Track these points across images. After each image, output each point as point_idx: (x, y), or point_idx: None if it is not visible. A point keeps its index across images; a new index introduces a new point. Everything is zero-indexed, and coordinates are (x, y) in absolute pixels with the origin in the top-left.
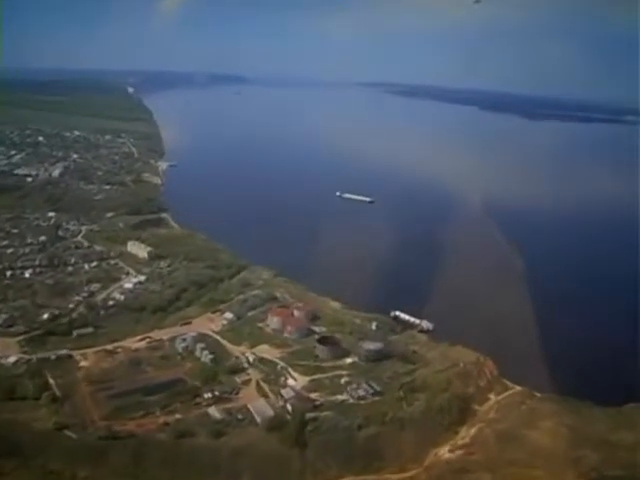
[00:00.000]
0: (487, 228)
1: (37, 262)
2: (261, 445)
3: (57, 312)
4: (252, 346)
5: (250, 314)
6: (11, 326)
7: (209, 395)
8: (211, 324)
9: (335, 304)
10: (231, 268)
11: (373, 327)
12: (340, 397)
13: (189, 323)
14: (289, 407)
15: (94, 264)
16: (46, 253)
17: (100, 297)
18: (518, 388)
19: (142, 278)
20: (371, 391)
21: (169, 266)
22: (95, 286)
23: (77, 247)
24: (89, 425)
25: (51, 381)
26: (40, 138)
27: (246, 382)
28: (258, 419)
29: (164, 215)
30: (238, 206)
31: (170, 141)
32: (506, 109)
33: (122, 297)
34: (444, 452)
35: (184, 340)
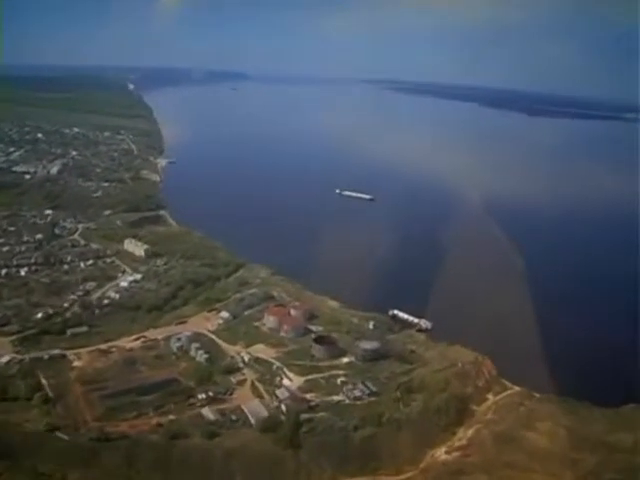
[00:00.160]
0: (487, 226)
1: (33, 260)
2: (255, 446)
3: (51, 311)
4: (248, 346)
5: (246, 313)
6: (5, 325)
7: (203, 396)
8: (207, 323)
9: (333, 303)
10: (228, 266)
11: (371, 326)
12: (336, 398)
13: (184, 322)
14: (284, 408)
15: (90, 262)
16: (42, 251)
17: (95, 296)
18: (517, 388)
19: (138, 276)
20: (367, 391)
21: (166, 264)
22: (90, 285)
23: (73, 245)
24: (81, 426)
25: (44, 381)
26: (39, 135)
27: (241, 382)
28: (252, 420)
29: (162, 212)
30: (236, 203)
31: (170, 138)
32: (506, 105)
33: (117, 296)
34: (441, 453)
35: (179, 340)
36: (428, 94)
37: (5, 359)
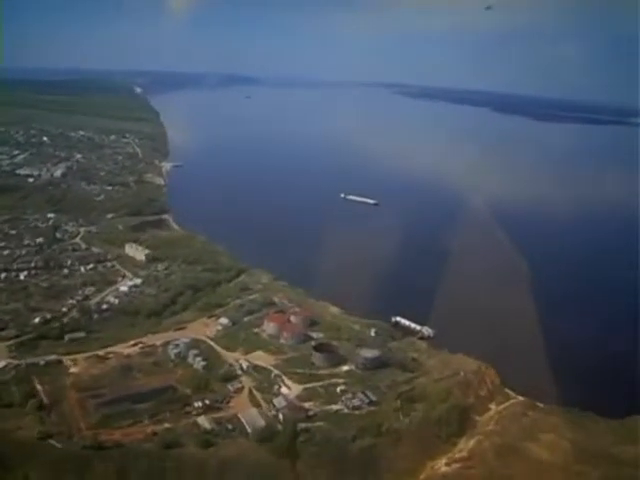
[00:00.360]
0: (495, 232)
1: (33, 264)
2: (251, 456)
3: (49, 316)
4: (247, 352)
5: (246, 319)
6: (2, 330)
7: (199, 404)
8: (206, 329)
9: (334, 309)
10: (230, 271)
11: (372, 333)
12: (335, 407)
13: (183, 328)
14: (281, 417)
15: (90, 267)
16: (42, 255)
17: (94, 301)
18: (520, 398)
19: (138, 281)
20: (367, 401)
21: (166, 269)
22: (90, 289)
23: (74, 249)
24: (75, 434)
25: (39, 387)
26: (44, 138)
27: (238, 390)
28: (249, 429)
29: (165, 216)
30: (240, 207)
31: (176, 142)
32: (518, 111)
33: (116, 301)
34: (441, 465)
35: (177, 346)
36: (439, 99)
37: (1, 364)
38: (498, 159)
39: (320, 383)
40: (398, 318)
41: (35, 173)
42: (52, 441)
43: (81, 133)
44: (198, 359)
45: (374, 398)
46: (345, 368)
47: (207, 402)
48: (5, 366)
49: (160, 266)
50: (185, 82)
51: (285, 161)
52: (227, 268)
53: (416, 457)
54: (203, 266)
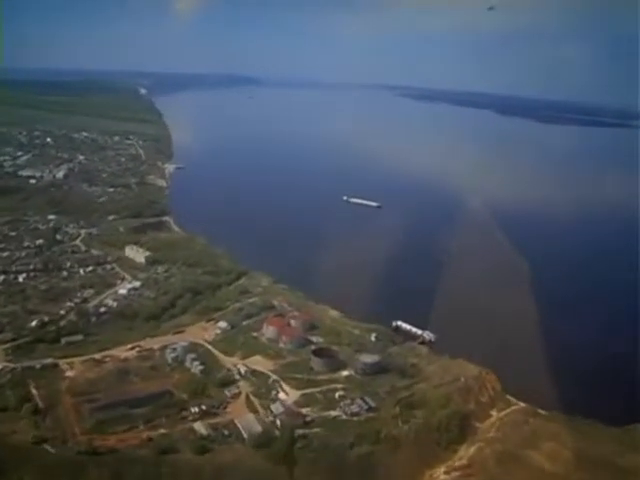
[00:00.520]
0: (499, 235)
1: (32, 266)
2: (247, 463)
3: (47, 319)
4: (245, 357)
5: (245, 323)
6: None
7: (196, 409)
8: (204, 333)
9: (334, 313)
10: (230, 274)
11: (372, 338)
12: (333, 413)
13: (182, 332)
14: (278, 423)
15: (89, 269)
16: (42, 257)
17: (92, 303)
18: (522, 405)
19: (137, 284)
20: (365, 407)
21: (166, 272)
22: (88, 292)
23: (74, 251)
24: (70, 439)
25: (34, 392)
26: (48, 139)
27: (235, 396)
28: (245, 435)
29: (166, 218)
30: (242, 209)
31: (180, 143)
32: (520, 113)
33: (115, 304)
34: (439, 474)
35: (174, 350)
36: (441, 101)
37: None
38: (501, 161)
39: (318, 389)
40: (399, 322)
41: (37, 174)
42: (46, 446)
43: (84, 134)
44: (196, 363)
45: (373, 404)
46: (344, 373)
47: (204, 407)
48: (1, 370)
49: (160, 269)
50: (189, 83)
51: (288, 162)
52: (227, 271)
53: (415, 465)
54: (203, 269)
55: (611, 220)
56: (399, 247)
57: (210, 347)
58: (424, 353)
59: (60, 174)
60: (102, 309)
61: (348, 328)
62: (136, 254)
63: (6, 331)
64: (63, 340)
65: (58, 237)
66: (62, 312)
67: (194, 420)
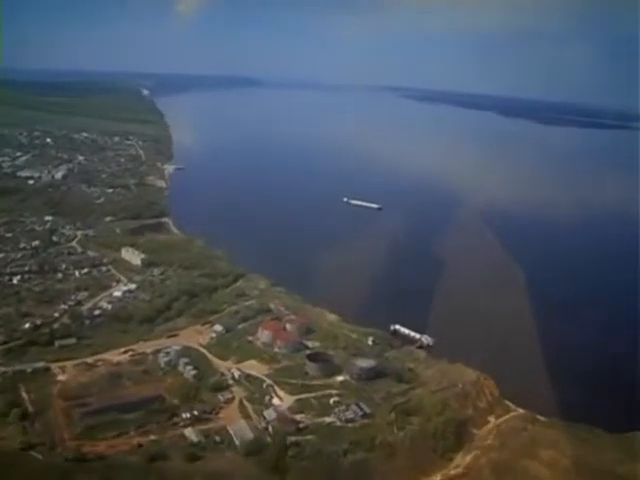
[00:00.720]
0: (499, 237)
1: (27, 268)
2: (238, 471)
3: (39, 321)
4: (239, 361)
5: (241, 326)
6: None
7: (187, 415)
8: (199, 337)
9: (332, 316)
10: (227, 277)
11: (369, 342)
12: (327, 419)
13: (176, 335)
14: (271, 429)
15: (85, 271)
16: (37, 259)
17: (87, 306)
18: (520, 411)
19: (133, 286)
20: (360, 413)
21: (162, 274)
22: (83, 294)
23: (70, 253)
24: (58, 445)
25: (24, 396)
26: (48, 140)
27: (229, 401)
28: (237, 442)
29: (165, 220)
30: (242, 211)
31: (180, 144)
32: (522, 114)
33: (109, 306)
34: None
35: (167, 354)
36: (444, 102)
37: None
38: (503, 162)
39: (313, 394)
40: (397, 326)
41: (36, 175)
42: (34, 452)
43: (84, 135)
44: (189, 368)
45: (368, 410)
46: (340, 378)
47: (195, 413)
48: None
49: (156, 271)
50: (191, 84)
51: (288, 164)
52: (224, 273)
53: (409, 473)
54: (200, 271)
55: (612, 221)
56: (398, 249)
57: (204, 351)
58: (422, 357)
59: (59, 175)
60: (96, 312)
61: (345, 332)
62: (132, 256)
63: None
64: (56, 343)
65: (54, 238)
66: (56, 315)
67: (185, 426)
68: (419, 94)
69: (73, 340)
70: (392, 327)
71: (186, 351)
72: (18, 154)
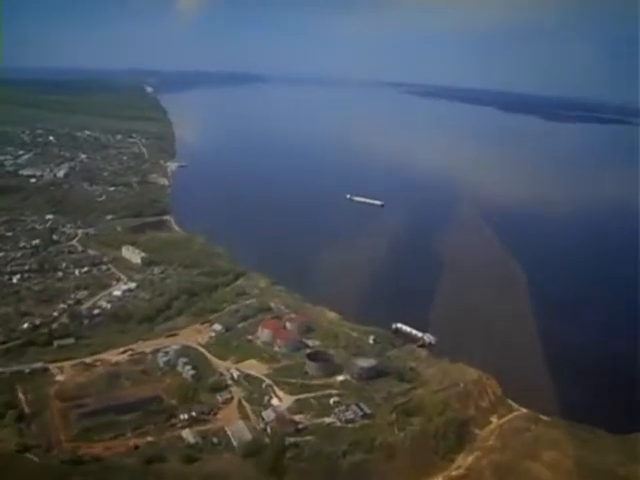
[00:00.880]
0: (503, 235)
1: (27, 267)
2: (235, 472)
3: (38, 321)
4: (239, 361)
5: (240, 325)
6: None
7: (185, 416)
8: (198, 336)
9: (332, 315)
10: (228, 275)
11: (370, 341)
12: (327, 420)
13: (175, 335)
14: (269, 430)
15: (85, 270)
16: (37, 258)
17: (86, 305)
18: (523, 410)
19: (132, 285)
20: (360, 413)
21: (162, 272)
22: (82, 293)
23: (70, 252)
24: (54, 447)
25: (21, 397)
26: (51, 138)
27: (227, 401)
28: (235, 443)
29: (166, 218)
30: (244, 209)
31: (184, 141)
32: (522, 109)
33: (109, 305)
34: None
35: (166, 354)
36: (446, 97)
37: None
38: (504, 157)
39: (313, 394)
40: (399, 324)
41: (38, 173)
42: (29, 454)
43: (87, 133)
44: (187, 368)
45: (368, 411)
46: (340, 378)
47: (193, 414)
48: None
49: (156, 269)
50: (195, 81)
51: (291, 160)
52: (225, 272)
53: (410, 474)
54: (200, 270)
55: (619, 217)
56: (400, 247)
57: (203, 350)
58: (423, 356)
59: (61, 173)
60: (96, 311)
61: (346, 330)
62: (132, 254)
63: None
64: (55, 343)
65: (55, 237)
66: (55, 314)
67: (183, 427)
68: (420, 90)
69: (72, 340)
70: (394, 325)
71: (185, 351)
72: (20, 152)
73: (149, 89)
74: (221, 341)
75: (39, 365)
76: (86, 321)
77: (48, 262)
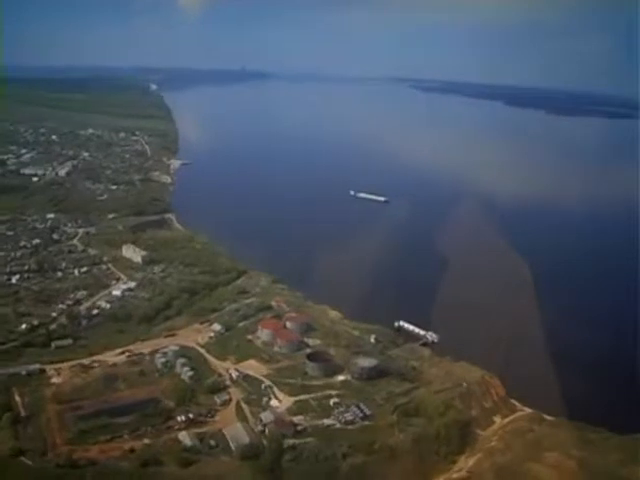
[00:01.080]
0: (507, 232)
1: (26, 267)
2: (232, 475)
3: (36, 322)
4: (238, 361)
5: (240, 325)
6: None
7: (182, 418)
8: (197, 336)
9: (334, 313)
10: (228, 274)
11: (372, 340)
12: (326, 421)
13: (174, 335)
14: (268, 433)
15: (85, 269)
16: (37, 257)
17: (85, 305)
18: (527, 410)
19: (132, 285)
20: (360, 415)
21: (163, 271)
22: (82, 293)
23: (70, 251)
24: (50, 450)
25: (17, 399)
26: (54, 136)
27: (226, 403)
28: (232, 446)
29: (168, 216)
30: (248, 206)
31: (187, 139)
32: (532, 104)
33: (108, 305)
34: None
35: (165, 354)
36: (453, 93)
37: None
38: (510, 151)
39: (312, 395)
40: (402, 322)
41: (40, 172)
42: (24, 458)
43: (90, 131)
44: (185, 369)
45: (368, 412)
46: (340, 378)
47: (191, 416)
48: None
49: (157, 268)
50: (200, 78)
51: (296, 158)
52: (226, 270)
53: (410, 477)
54: (201, 268)
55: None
56: (403, 243)
57: (202, 351)
58: (426, 355)
59: (63, 172)
60: (94, 311)
61: (347, 329)
62: (133, 253)
63: None
64: (53, 344)
65: (55, 236)
66: (54, 314)
67: (180, 430)
68: (430, 85)
69: (70, 341)
70: (397, 323)
71: (184, 351)
72: (23, 151)
73: (153, 87)
74: (220, 341)
75: (36, 367)
76: (85, 321)
77: (48, 262)
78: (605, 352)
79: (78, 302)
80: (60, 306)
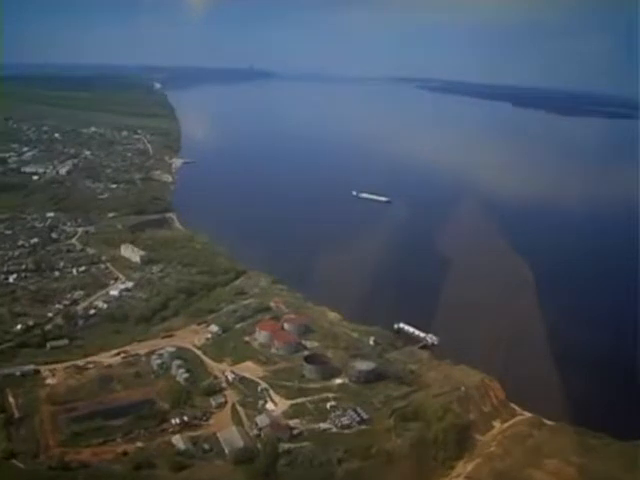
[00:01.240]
0: (507, 232)
1: (24, 266)
2: None
3: (32, 322)
4: (235, 363)
5: (238, 326)
6: None
7: (177, 420)
8: (194, 337)
9: (333, 315)
10: (227, 274)
11: (371, 342)
12: (322, 425)
13: (171, 336)
14: (263, 436)
15: (83, 269)
16: (35, 257)
17: (82, 305)
18: (527, 414)
19: (130, 284)
20: (357, 419)
21: (161, 271)
22: (79, 293)
23: (69, 250)
24: (42, 452)
25: (11, 400)
26: (56, 135)
27: (221, 405)
28: (226, 450)
29: (169, 215)
30: (250, 205)
31: (190, 138)
32: (532, 104)
33: (105, 306)
34: None
35: (160, 356)
36: (460, 93)
37: None
38: (520, 153)
39: (309, 398)
40: (401, 324)
41: (40, 171)
42: (16, 461)
43: (93, 129)
44: (181, 370)
45: (365, 416)
46: (338, 381)
47: (185, 419)
48: None
49: (155, 268)
50: (204, 77)
51: (299, 158)
52: (225, 270)
53: None
54: (200, 268)
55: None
56: (405, 244)
57: (199, 352)
58: (425, 358)
59: (63, 170)
60: (91, 311)
61: (346, 331)
62: (131, 253)
63: None
64: (48, 345)
65: (54, 235)
66: (50, 315)
67: (174, 433)
68: (436, 85)
69: (65, 341)
70: (396, 325)
71: (180, 353)
72: (25, 149)
73: (157, 85)
74: (217, 342)
75: (31, 368)
76: (81, 322)
77: (46, 261)
78: (605, 352)
79: (75, 302)
80: (57, 306)
